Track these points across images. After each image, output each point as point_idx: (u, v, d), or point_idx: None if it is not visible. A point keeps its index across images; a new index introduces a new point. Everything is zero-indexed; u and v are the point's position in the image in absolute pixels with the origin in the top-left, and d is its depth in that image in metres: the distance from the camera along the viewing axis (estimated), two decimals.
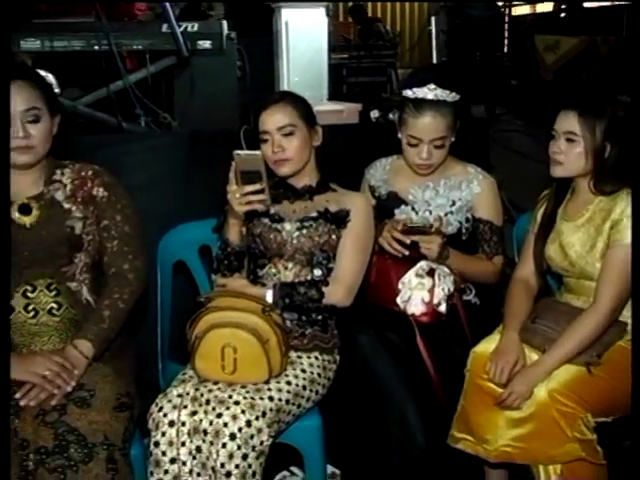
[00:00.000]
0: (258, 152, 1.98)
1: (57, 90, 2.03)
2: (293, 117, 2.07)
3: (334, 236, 2.10)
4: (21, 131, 1.79)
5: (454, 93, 2.20)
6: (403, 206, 2.28)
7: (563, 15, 6.64)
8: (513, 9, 7.43)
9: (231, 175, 1.98)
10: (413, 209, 2.28)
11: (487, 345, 2.05)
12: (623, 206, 1.96)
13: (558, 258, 2.10)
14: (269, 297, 2.01)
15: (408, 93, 2.23)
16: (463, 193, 2.27)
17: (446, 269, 2.13)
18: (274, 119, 2.06)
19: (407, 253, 2.11)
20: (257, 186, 1.95)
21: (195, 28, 2.99)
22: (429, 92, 2.19)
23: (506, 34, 6.43)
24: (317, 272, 2.11)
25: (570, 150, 2.00)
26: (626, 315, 2.00)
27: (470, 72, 5.47)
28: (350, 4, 9.00)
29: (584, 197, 2.07)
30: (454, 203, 2.26)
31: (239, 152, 1.97)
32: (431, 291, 2.09)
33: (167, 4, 2.87)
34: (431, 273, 2.10)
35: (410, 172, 2.31)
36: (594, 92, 2.09)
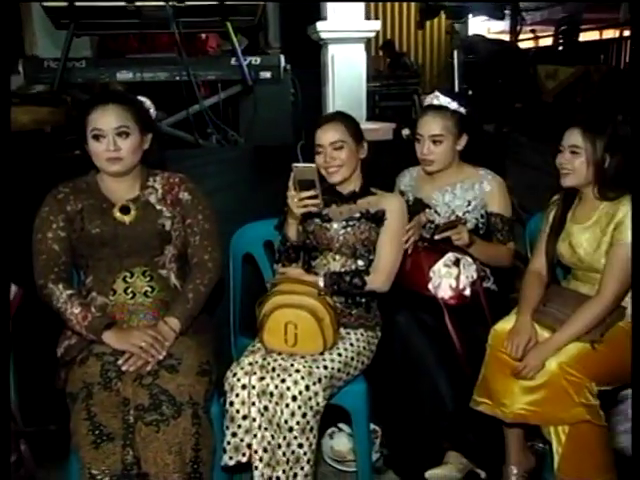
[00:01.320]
0: (313, 165, 1.98)
1: (153, 112, 2.01)
2: (343, 134, 2.06)
3: (374, 232, 2.08)
4: (112, 144, 1.80)
5: (456, 103, 2.20)
6: (428, 209, 2.25)
7: (561, 48, 6.55)
8: (519, 43, 7.32)
9: (290, 183, 1.97)
10: (436, 212, 2.25)
11: (505, 324, 2.03)
12: (625, 210, 1.92)
13: (568, 255, 2.06)
14: (321, 284, 2.01)
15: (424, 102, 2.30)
16: (476, 193, 2.23)
17: (469, 259, 2.10)
18: (327, 136, 2.06)
19: (425, 244, 2.13)
20: (312, 192, 1.94)
21: (258, 62, 3.00)
22: (433, 98, 2.24)
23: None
24: (360, 262, 2.09)
25: (574, 161, 1.96)
26: (626, 300, 1.96)
27: (483, 97, 5.41)
28: (381, 41, 9.04)
29: (590, 204, 2.02)
30: (470, 203, 2.23)
31: (297, 164, 1.96)
32: (457, 278, 2.06)
33: (236, 43, 2.88)
34: (457, 263, 2.08)
35: (432, 180, 2.29)
36: (597, 112, 2.04)
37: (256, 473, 1.77)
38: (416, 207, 2.23)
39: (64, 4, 2.64)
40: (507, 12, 6.25)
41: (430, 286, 2.08)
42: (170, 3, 2.71)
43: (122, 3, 2.69)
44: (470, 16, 4.92)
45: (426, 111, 2.23)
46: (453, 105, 2.20)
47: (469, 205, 2.23)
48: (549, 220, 2.13)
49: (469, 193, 2.23)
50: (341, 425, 2.26)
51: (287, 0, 4.41)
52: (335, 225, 2.10)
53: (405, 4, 9.64)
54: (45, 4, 2.68)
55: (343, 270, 2.07)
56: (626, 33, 6.52)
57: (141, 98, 1.98)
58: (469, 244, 2.09)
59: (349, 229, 2.08)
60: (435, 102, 2.22)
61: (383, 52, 8.56)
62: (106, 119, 1.81)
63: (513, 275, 2.47)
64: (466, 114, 2.22)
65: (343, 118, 2.11)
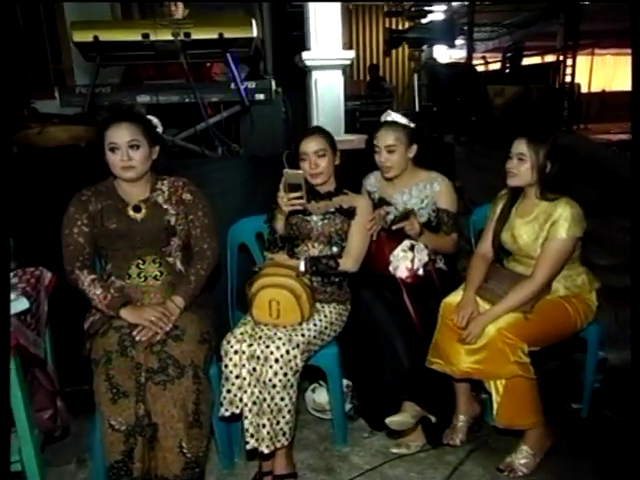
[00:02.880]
0: (300, 171, 1.97)
1: (160, 129, 1.99)
2: (324, 144, 2.07)
3: (346, 225, 2.08)
4: (125, 155, 1.79)
5: (406, 120, 2.19)
6: (388, 206, 2.23)
7: (507, 71, 6.51)
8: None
9: (281, 186, 1.97)
10: (396, 209, 2.23)
11: (453, 297, 2.03)
12: (560, 211, 1.90)
13: (509, 242, 2.04)
14: (302, 266, 2.00)
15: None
16: (428, 192, 2.21)
17: (422, 245, 2.09)
18: (311, 145, 2.06)
19: (388, 230, 2.09)
20: (298, 194, 1.94)
21: (253, 85, 2.96)
22: (386, 116, 2.21)
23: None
24: (334, 249, 2.09)
25: (520, 166, 1.94)
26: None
27: (443, 112, 5.38)
28: (369, 63, 9.07)
29: (532, 201, 2.00)
30: (423, 201, 2.21)
31: (287, 170, 1.96)
32: (412, 261, 2.05)
33: (235, 71, 2.84)
34: (412, 248, 2.07)
35: (392, 183, 2.27)
36: (541, 125, 2.01)
37: (246, 422, 1.77)
38: (380, 205, 2.22)
39: (91, 40, 2.61)
40: (459, 42, 6.25)
41: (390, 268, 2.08)
42: (178, 38, 2.67)
43: (139, 38, 2.65)
44: (426, 46, 4.86)
45: (381, 127, 2.20)
46: (403, 120, 2.18)
47: (422, 202, 2.21)
48: (496, 212, 2.10)
49: (422, 193, 2.22)
50: (322, 382, 2.26)
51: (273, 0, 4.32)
52: (314, 218, 2.09)
53: (374, 36, 9.62)
54: (75, 40, 2.64)
55: (320, 255, 2.06)
56: (561, 58, 6.50)
57: (149, 117, 1.96)
58: (420, 233, 2.08)
59: (326, 221, 2.08)
60: (388, 119, 2.20)
61: (370, 72, 8.54)
62: (120, 134, 1.79)
63: (460, 258, 2.46)
64: (415, 128, 2.21)
65: (322, 131, 2.11)
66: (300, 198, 1.94)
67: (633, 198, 1.50)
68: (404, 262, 2.06)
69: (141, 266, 1.83)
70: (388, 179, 2.26)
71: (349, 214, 2.08)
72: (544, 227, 1.93)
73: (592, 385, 2.20)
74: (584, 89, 10.26)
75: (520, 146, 1.93)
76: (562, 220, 1.88)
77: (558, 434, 2.03)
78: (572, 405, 2.27)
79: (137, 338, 1.70)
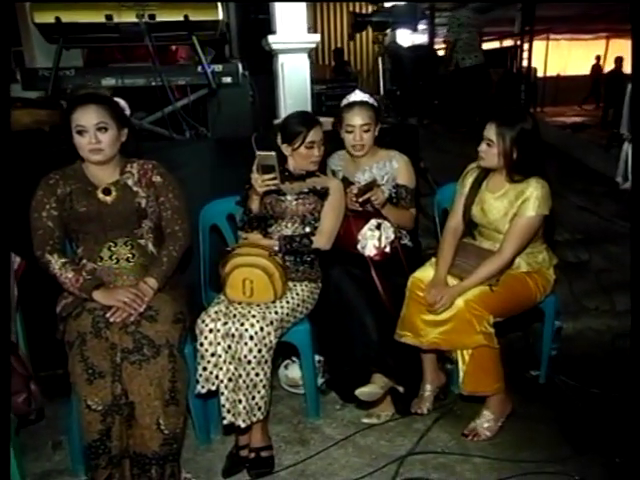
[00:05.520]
0: (273, 152, 1.95)
1: (128, 111, 1.94)
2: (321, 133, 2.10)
3: (319, 205, 2.09)
4: (93, 138, 1.74)
5: (372, 99, 2.21)
6: (352, 185, 2.23)
7: None
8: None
9: (254, 168, 1.96)
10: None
11: (421, 273, 2.07)
12: (532, 190, 1.93)
13: (479, 216, 2.07)
14: (276, 245, 2.00)
15: (344, 101, 2.25)
16: (388, 169, 2.24)
17: (388, 223, 2.11)
18: (318, 135, 2.07)
19: (361, 209, 2.09)
20: (272, 175, 1.93)
21: (220, 68, 2.91)
22: (356, 95, 2.22)
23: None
24: (307, 229, 2.09)
25: (488, 151, 1.97)
26: None
27: (408, 95, 5.40)
28: (334, 47, 9.01)
29: (502, 178, 2.02)
30: (383, 178, 2.24)
31: (260, 152, 1.95)
32: (379, 239, 2.08)
33: (201, 53, 2.78)
34: (379, 227, 2.10)
35: (355, 162, 2.29)
36: (510, 110, 2.00)
37: (222, 398, 1.78)
38: (344, 183, 2.23)
39: (52, 21, 2.51)
40: (422, 26, 6.27)
41: (359, 246, 2.10)
42: (143, 20, 2.59)
43: (102, 20, 2.56)
44: (389, 30, 4.84)
45: (352, 107, 2.19)
46: (371, 100, 2.20)
47: (383, 179, 2.23)
48: (466, 185, 2.11)
49: (382, 170, 2.24)
50: (294, 358, 2.28)
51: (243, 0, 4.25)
52: (288, 198, 2.09)
53: (339, 20, 9.58)
54: (36, 21, 2.54)
55: (294, 234, 2.07)
56: (518, 42, 6.61)
57: (116, 99, 1.91)
58: (384, 204, 2.10)
59: (300, 201, 2.08)
60: (357, 99, 2.20)
61: (334, 56, 8.51)
62: (87, 117, 1.75)
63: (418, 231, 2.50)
64: (378, 107, 2.23)
65: (319, 122, 2.12)
66: (274, 179, 1.94)
67: (633, 197, 1.53)
68: (372, 241, 2.08)
69: (112, 248, 1.80)
70: (353, 157, 2.27)
71: (322, 195, 2.09)
72: (514, 204, 1.96)
73: (549, 353, 2.29)
74: (540, 73, 10.46)
75: (489, 131, 1.95)
76: (533, 198, 1.92)
77: (519, 399, 2.11)
78: (531, 372, 2.36)
79: (111, 319, 1.67)
